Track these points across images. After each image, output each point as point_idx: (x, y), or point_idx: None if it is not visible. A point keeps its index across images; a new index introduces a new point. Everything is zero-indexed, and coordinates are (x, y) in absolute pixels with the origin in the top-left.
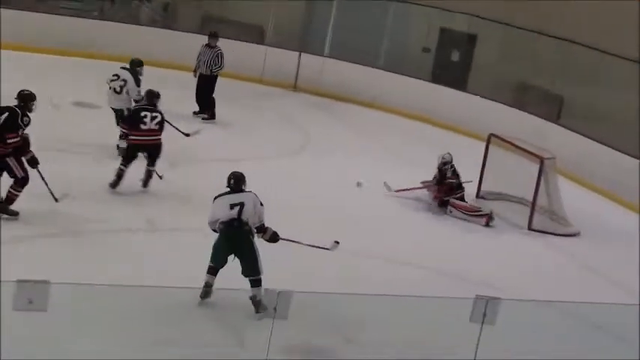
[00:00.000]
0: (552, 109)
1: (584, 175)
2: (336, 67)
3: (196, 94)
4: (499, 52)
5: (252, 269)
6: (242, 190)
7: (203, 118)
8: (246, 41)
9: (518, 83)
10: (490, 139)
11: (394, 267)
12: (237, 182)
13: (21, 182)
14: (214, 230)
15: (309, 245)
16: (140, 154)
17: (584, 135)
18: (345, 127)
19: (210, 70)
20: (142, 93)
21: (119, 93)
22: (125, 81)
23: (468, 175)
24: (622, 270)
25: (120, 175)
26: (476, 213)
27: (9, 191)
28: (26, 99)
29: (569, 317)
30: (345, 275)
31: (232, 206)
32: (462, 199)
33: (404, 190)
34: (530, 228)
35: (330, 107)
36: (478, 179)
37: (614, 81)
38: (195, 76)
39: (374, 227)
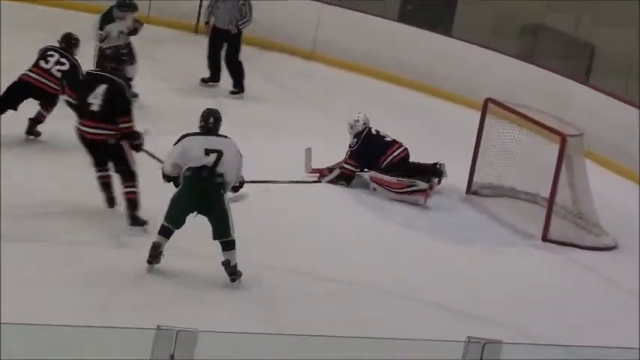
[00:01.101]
0: (578, 62)
1: (624, 159)
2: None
3: (209, 55)
4: None
5: (223, 230)
6: (219, 135)
7: (231, 92)
8: None
9: (527, 24)
10: (487, 106)
11: (346, 291)
12: (216, 122)
13: (132, 175)
14: (170, 179)
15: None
16: None
17: (625, 101)
18: (273, 88)
19: (236, 25)
20: None
21: None
22: None
23: (455, 159)
24: None
25: None
26: (406, 189)
27: (127, 192)
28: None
29: None
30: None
31: (208, 152)
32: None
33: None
34: (545, 238)
35: (251, 58)
36: (470, 167)
37: None
38: (206, 31)
39: (319, 236)
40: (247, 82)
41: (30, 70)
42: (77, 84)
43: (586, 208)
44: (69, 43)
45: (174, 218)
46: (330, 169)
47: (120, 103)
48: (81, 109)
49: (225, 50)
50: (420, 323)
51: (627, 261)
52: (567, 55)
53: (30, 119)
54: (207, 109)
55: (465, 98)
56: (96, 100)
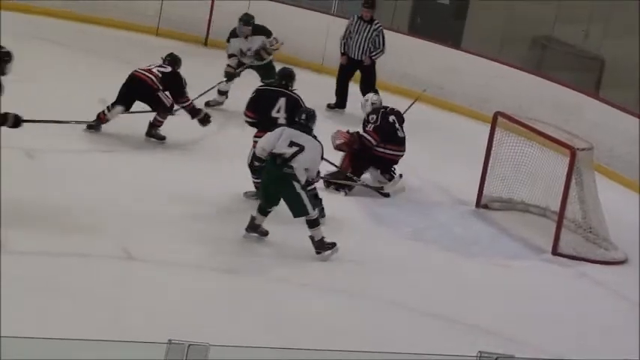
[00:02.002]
0: (588, 75)
1: (634, 173)
2: (269, 13)
3: (338, 82)
4: None
5: (297, 211)
6: (310, 133)
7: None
8: None
9: (536, 37)
10: (496, 119)
11: (366, 309)
12: (309, 119)
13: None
14: (257, 161)
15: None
16: None
17: (635, 114)
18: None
19: (369, 56)
20: None
21: None
22: None
23: (464, 172)
24: None
25: None
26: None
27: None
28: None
29: None
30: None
31: (292, 144)
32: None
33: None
34: (555, 252)
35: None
36: (480, 179)
37: None
38: (342, 61)
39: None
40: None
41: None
42: (254, 102)
43: (596, 222)
44: (174, 61)
45: (263, 198)
46: (350, 135)
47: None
48: (265, 123)
49: (360, 79)
50: (431, 337)
51: (637, 275)
52: (577, 68)
53: (150, 123)
54: (306, 108)
55: (474, 111)
56: (279, 113)
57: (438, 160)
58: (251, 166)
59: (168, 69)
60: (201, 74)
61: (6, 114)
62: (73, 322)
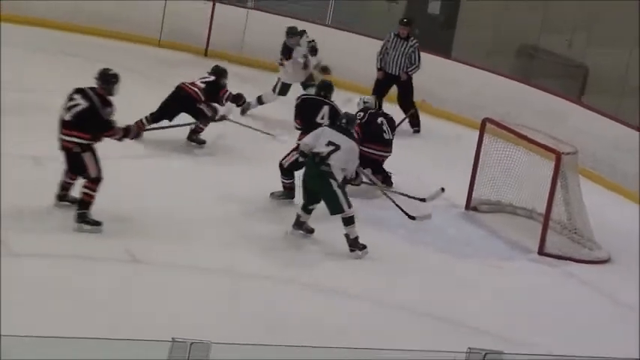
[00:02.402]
0: (572, 82)
1: (617, 177)
2: (265, 24)
3: (379, 94)
4: (496, 1)
5: (333, 208)
6: (349, 135)
7: (415, 131)
8: None
9: (523, 46)
10: (485, 125)
11: (361, 307)
12: (349, 123)
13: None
14: (302, 156)
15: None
16: None
17: (617, 120)
18: (277, 106)
19: (405, 72)
20: None
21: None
22: None
23: (454, 176)
24: None
25: None
26: None
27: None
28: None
29: None
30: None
31: (330, 143)
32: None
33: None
34: (542, 252)
35: (256, 80)
36: (469, 184)
37: None
38: (379, 76)
39: (323, 251)
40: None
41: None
42: (300, 110)
43: (580, 223)
44: (219, 72)
45: (304, 195)
46: None
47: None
48: (310, 128)
49: (397, 94)
50: (422, 335)
51: (621, 273)
52: (562, 75)
53: (191, 129)
54: (346, 112)
55: (463, 117)
56: (323, 120)
57: (430, 165)
58: (282, 166)
59: (211, 78)
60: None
61: (128, 127)
62: (79, 321)
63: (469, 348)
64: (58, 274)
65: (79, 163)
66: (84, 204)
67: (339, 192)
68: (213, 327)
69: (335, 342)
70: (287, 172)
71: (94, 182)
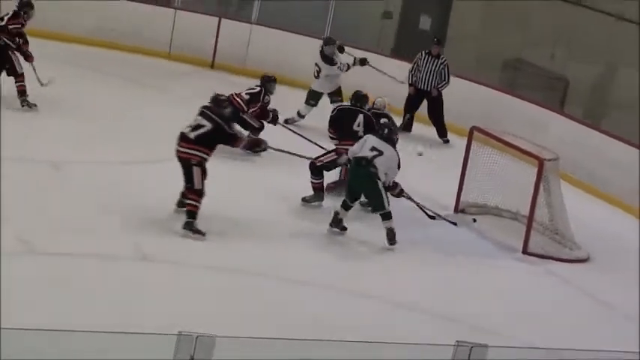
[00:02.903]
0: (554, 93)
1: (595, 181)
2: (268, 38)
3: (405, 110)
4: (482, 17)
5: (376, 206)
6: (391, 144)
7: (444, 141)
8: (147, 2)
9: (508, 59)
10: (472, 133)
11: (347, 301)
12: (389, 133)
13: None
14: (348, 162)
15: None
16: None
17: (595, 128)
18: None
19: (436, 87)
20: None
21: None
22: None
23: (444, 181)
24: None
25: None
26: None
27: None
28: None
29: None
30: (283, 313)
31: (373, 149)
32: None
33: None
34: (525, 251)
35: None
36: (457, 188)
37: (635, 56)
38: (410, 92)
39: (304, 244)
40: None
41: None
42: (335, 120)
43: (561, 224)
44: (264, 82)
45: (347, 195)
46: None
47: (372, 127)
48: (347, 135)
49: (427, 109)
50: (412, 329)
51: (599, 272)
52: (544, 87)
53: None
54: (387, 123)
55: (453, 125)
56: (359, 127)
57: (420, 169)
58: (313, 165)
59: (257, 89)
60: (207, 94)
61: (259, 139)
62: (89, 316)
63: (457, 341)
64: (71, 270)
65: (189, 175)
66: (190, 214)
67: (383, 191)
68: (221, 323)
69: (330, 335)
70: (317, 172)
71: (197, 194)
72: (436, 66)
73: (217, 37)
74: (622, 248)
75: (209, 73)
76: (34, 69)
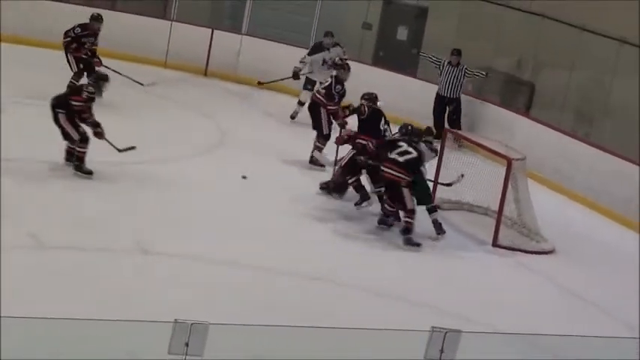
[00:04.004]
0: (521, 98)
1: (560, 179)
2: (257, 48)
3: (434, 115)
4: (455, 29)
5: (423, 200)
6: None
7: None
8: (146, 15)
9: (478, 67)
10: (445, 135)
11: (324, 289)
12: (415, 136)
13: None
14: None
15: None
16: None
17: (559, 130)
18: (268, 120)
19: (458, 92)
20: None
21: None
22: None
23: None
24: (605, 294)
25: None
26: None
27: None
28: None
29: (541, 352)
30: (268, 301)
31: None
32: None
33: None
34: (495, 244)
35: (249, 96)
36: (433, 185)
37: (595, 64)
38: (435, 99)
39: (296, 238)
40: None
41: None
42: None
43: (528, 219)
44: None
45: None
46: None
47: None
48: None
49: (447, 113)
50: (388, 315)
51: (564, 262)
52: (511, 92)
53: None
54: (413, 129)
55: (424, 127)
56: (386, 126)
57: None
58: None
59: (328, 82)
60: (201, 98)
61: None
62: (90, 306)
63: (432, 327)
64: (74, 263)
65: (398, 195)
66: (406, 230)
67: (429, 186)
68: (218, 313)
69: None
70: (352, 172)
71: (410, 212)
72: (456, 74)
73: (210, 46)
74: (585, 240)
75: (202, 80)
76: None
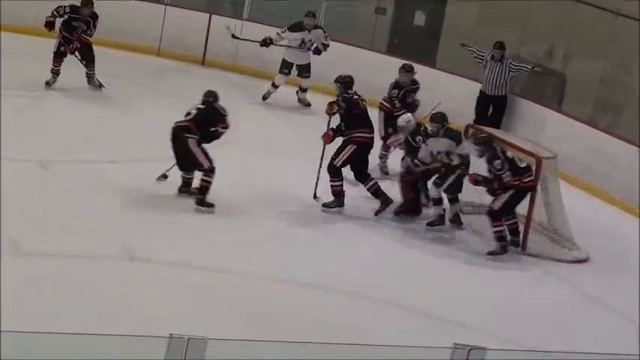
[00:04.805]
0: (551, 90)
1: (594, 179)
2: (259, 35)
3: (476, 114)
4: (478, 13)
5: (451, 190)
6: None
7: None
8: None
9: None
10: (468, 131)
11: (340, 300)
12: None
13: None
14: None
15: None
16: None
17: (594, 127)
18: (270, 115)
19: (503, 90)
20: None
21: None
22: None
23: None
24: None
25: None
26: None
27: None
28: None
29: None
30: (276, 313)
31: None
32: None
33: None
34: (524, 252)
35: (250, 87)
36: None
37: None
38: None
39: (312, 246)
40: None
41: None
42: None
43: (560, 224)
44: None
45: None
46: None
47: None
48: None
49: (490, 113)
50: (408, 330)
51: (597, 273)
52: (540, 84)
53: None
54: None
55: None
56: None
57: None
58: (333, 167)
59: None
60: (198, 90)
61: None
62: (78, 318)
63: (454, 343)
64: (59, 271)
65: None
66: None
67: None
68: (208, 323)
69: (324, 338)
70: (337, 172)
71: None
72: (501, 70)
73: (208, 33)
74: (621, 248)
75: (199, 70)
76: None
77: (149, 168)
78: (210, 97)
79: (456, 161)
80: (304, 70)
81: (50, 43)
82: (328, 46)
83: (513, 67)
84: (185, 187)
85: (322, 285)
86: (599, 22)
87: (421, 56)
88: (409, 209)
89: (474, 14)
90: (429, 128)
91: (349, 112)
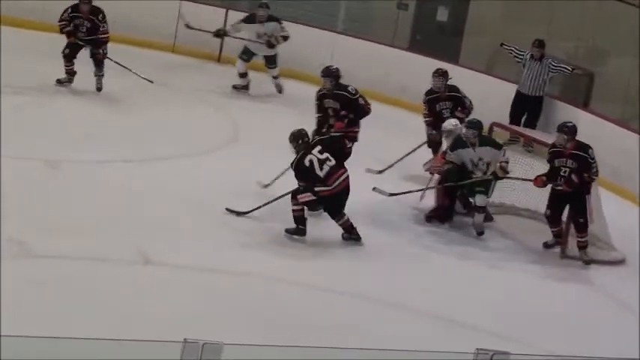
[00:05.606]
0: (578, 89)
1: (624, 181)
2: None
3: (510, 116)
4: (503, 8)
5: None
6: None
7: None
8: None
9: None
10: (492, 129)
11: (366, 308)
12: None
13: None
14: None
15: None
16: None
17: (623, 126)
18: (289, 112)
19: (541, 90)
20: None
21: None
22: None
23: None
24: None
25: None
26: None
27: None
28: None
29: None
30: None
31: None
32: None
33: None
34: (563, 255)
35: (268, 85)
36: None
37: None
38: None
39: (337, 254)
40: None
41: None
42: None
43: (597, 226)
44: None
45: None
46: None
47: None
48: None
49: (526, 114)
50: (430, 335)
51: (625, 275)
52: (567, 82)
53: None
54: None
55: None
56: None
57: None
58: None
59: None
60: (214, 88)
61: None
62: (91, 322)
63: (477, 349)
64: (72, 274)
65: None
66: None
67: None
68: (222, 327)
69: (342, 343)
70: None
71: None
72: (539, 69)
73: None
74: None
75: (215, 67)
76: None
77: (154, 167)
78: None
79: (509, 172)
80: (269, 62)
81: (51, 39)
82: (287, 38)
83: (553, 67)
84: None
85: (335, 289)
86: (625, 17)
87: (444, 53)
88: (440, 215)
89: (498, 10)
90: (466, 135)
91: (342, 108)
